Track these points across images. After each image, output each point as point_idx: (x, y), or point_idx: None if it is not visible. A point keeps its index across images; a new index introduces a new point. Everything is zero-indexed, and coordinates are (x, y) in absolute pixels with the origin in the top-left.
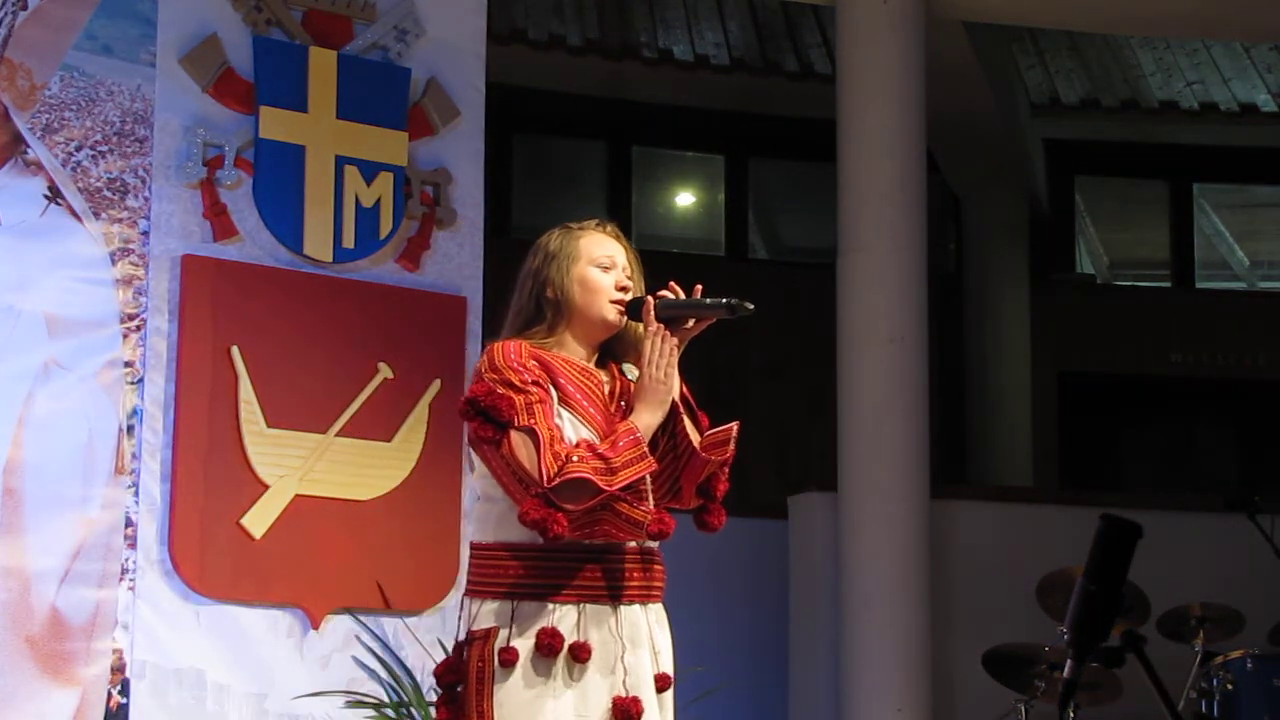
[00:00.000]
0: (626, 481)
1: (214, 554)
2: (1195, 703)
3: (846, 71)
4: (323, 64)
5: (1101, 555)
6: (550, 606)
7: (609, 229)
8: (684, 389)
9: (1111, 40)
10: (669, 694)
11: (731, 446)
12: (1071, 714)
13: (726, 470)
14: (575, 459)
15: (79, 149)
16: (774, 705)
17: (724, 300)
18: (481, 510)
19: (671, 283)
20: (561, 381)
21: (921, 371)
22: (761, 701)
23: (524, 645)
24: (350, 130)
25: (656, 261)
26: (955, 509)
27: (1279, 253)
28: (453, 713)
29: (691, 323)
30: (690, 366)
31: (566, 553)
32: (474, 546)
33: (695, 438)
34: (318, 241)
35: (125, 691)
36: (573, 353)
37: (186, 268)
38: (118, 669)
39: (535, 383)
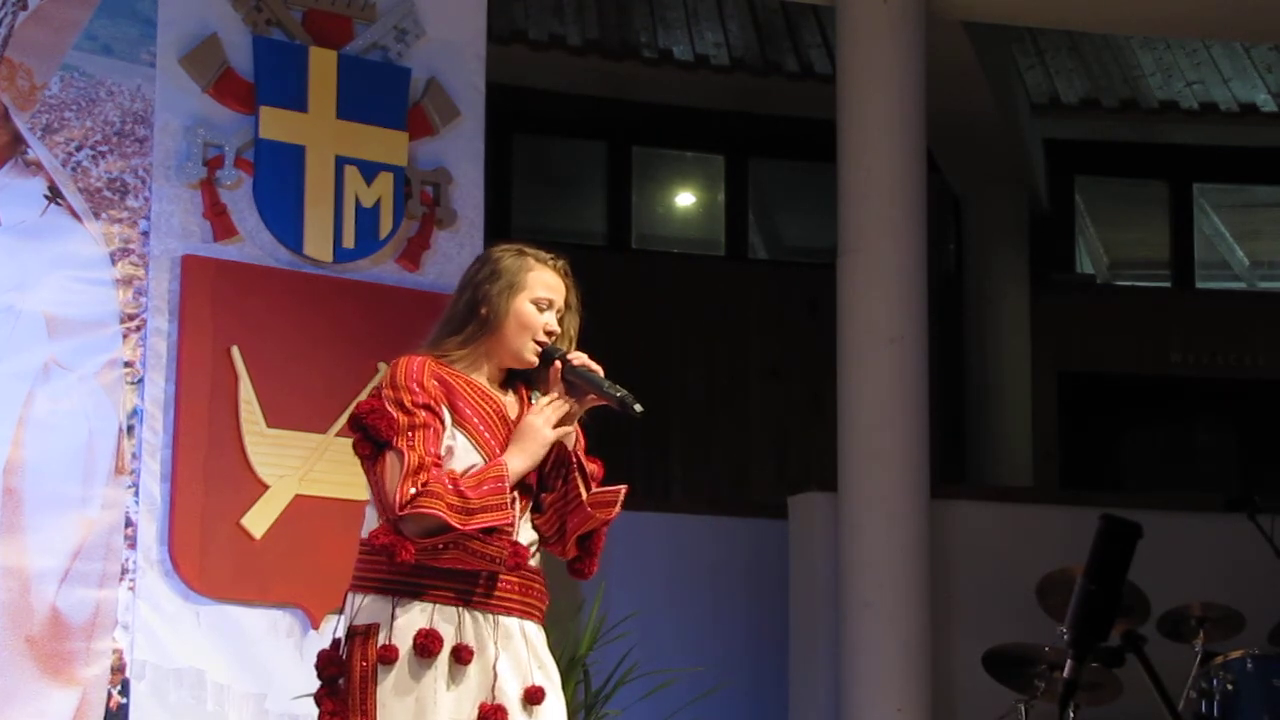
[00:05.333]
0: (481, 526)
1: (214, 554)
2: (1195, 703)
3: (846, 71)
4: (323, 64)
5: (1101, 555)
6: (430, 606)
7: (560, 265)
8: (578, 447)
9: (1111, 40)
10: (549, 708)
11: (618, 508)
12: (1072, 714)
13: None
14: (433, 493)
15: (79, 149)
16: (774, 705)
17: (618, 393)
18: (370, 510)
19: (582, 356)
20: (459, 404)
21: (921, 371)
22: (761, 702)
23: (403, 644)
24: (350, 130)
25: (656, 262)
26: (955, 509)
27: (1279, 253)
28: (336, 705)
29: (591, 396)
30: (691, 367)
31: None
32: (361, 543)
33: (584, 494)
34: (318, 242)
35: (125, 691)
36: (480, 372)
37: (186, 268)
38: (118, 669)
39: (426, 405)
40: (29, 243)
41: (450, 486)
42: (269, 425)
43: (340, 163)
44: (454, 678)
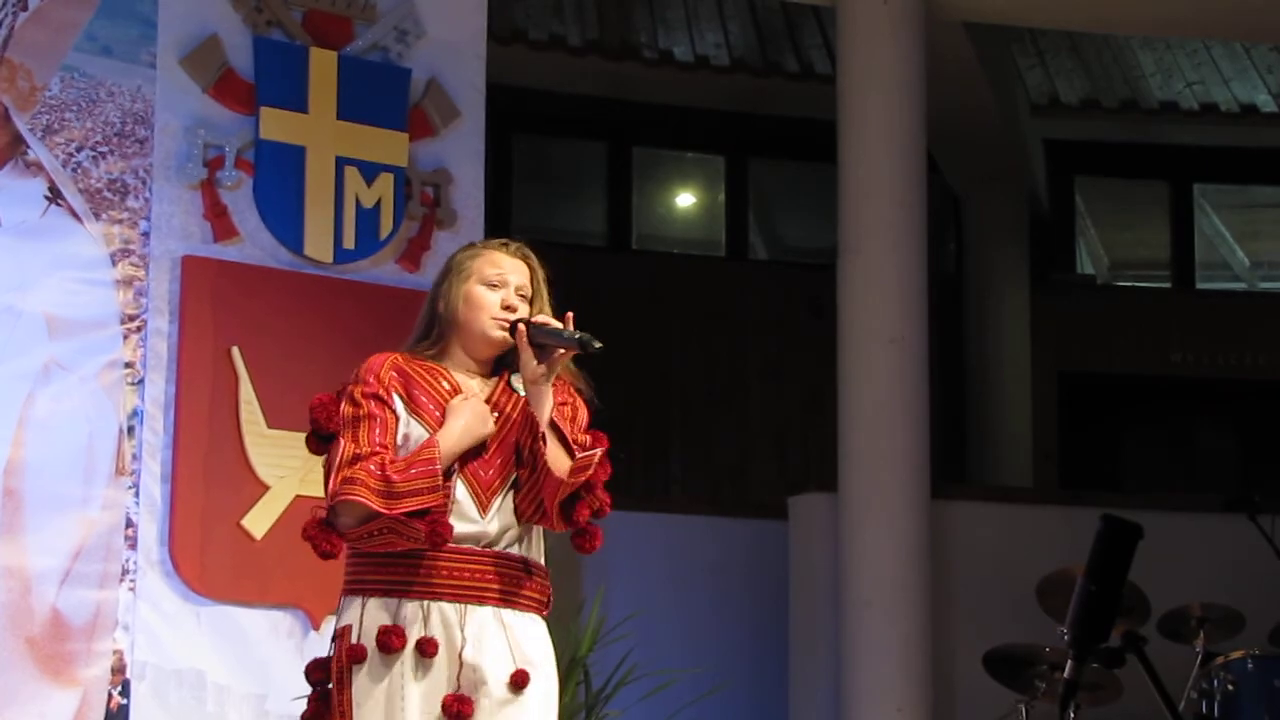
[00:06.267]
0: (408, 510)
1: (214, 555)
2: (1196, 703)
3: (847, 72)
4: (323, 65)
5: (1102, 556)
6: (395, 602)
7: (512, 248)
8: (572, 419)
9: (1111, 41)
10: (534, 693)
11: (590, 471)
12: (1072, 714)
13: (596, 501)
14: (359, 481)
15: (79, 150)
16: (774, 706)
17: (577, 335)
18: None
19: (543, 315)
20: (416, 393)
21: (921, 372)
22: (762, 702)
23: (370, 642)
24: (350, 131)
25: (657, 262)
26: (955, 509)
27: (1279, 253)
28: (319, 709)
29: (560, 351)
30: (691, 367)
31: (413, 555)
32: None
33: (559, 462)
34: (318, 242)
35: (126, 692)
36: (460, 366)
37: (187, 268)
38: (118, 670)
39: (374, 395)
40: (29, 243)
41: (378, 472)
42: (269, 426)
43: (340, 163)
44: (421, 671)
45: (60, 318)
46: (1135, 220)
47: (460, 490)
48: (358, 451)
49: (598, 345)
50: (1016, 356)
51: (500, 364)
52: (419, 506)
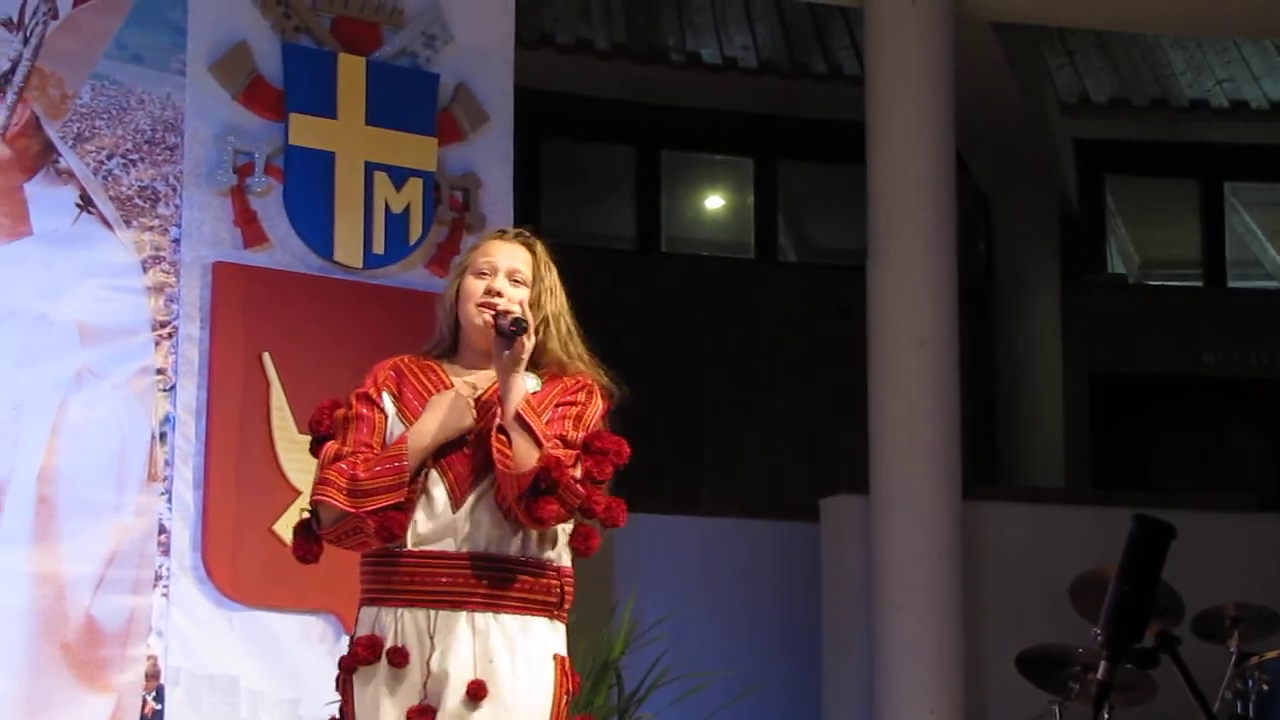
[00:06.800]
0: (375, 507)
1: (247, 560)
2: (1230, 704)
3: (875, 73)
4: (352, 70)
5: (1135, 556)
6: (375, 611)
7: (509, 235)
8: (555, 411)
9: (1141, 39)
10: (492, 706)
11: (521, 469)
12: (1106, 715)
13: (569, 499)
14: (331, 481)
15: (110, 157)
16: (807, 709)
17: (508, 320)
18: None
19: (521, 301)
20: (407, 391)
21: (952, 373)
22: (794, 705)
23: (357, 653)
24: (379, 136)
25: (686, 265)
26: (987, 510)
27: None
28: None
29: (521, 339)
30: (721, 369)
31: (390, 560)
32: None
33: (523, 456)
34: (348, 247)
35: (160, 698)
36: (468, 362)
37: (217, 275)
38: (152, 675)
39: (365, 397)
40: (61, 251)
41: (348, 470)
42: (301, 431)
43: (370, 168)
44: (395, 681)
45: (92, 325)
46: (1166, 219)
47: (435, 483)
48: (340, 451)
49: (513, 329)
50: (1048, 357)
51: (531, 361)
52: (385, 504)
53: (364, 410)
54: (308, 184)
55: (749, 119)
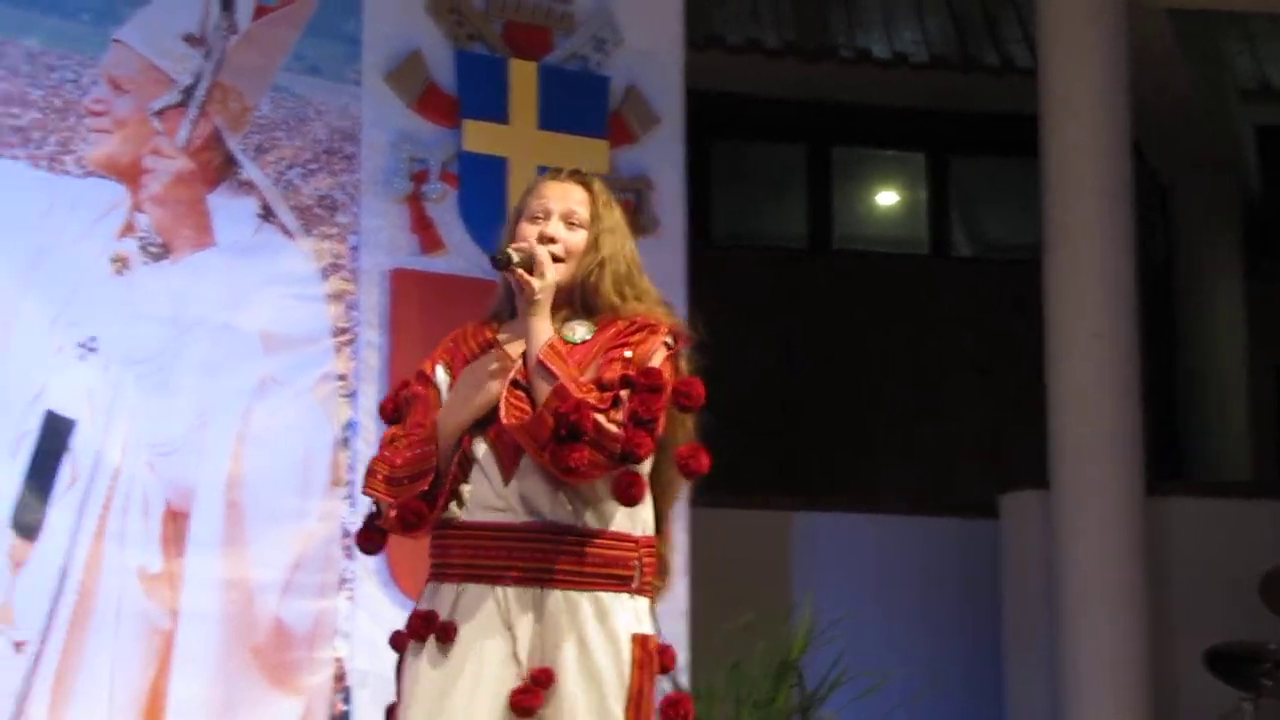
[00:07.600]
0: (413, 493)
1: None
2: None
3: (1049, 64)
4: (523, 75)
5: None
6: (437, 587)
7: (562, 176)
8: (546, 352)
9: None
10: (561, 694)
11: (512, 418)
12: None
13: (601, 446)
14: (373, 472)
15: (289, 168)
16: (988, 708)
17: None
18: None
19: (530, 237)
20: (459, 362)
21: (1131, 366)
22: (975, 704)
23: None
24: (551, 140)
25: (859, 262)
26: (1172, 506)
27: None
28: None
29: (526, 276)
30: (895, 366)
31: (449, 534)
32: None
33: (520, 410)
34: None
35: (348, 699)
36: (519, 320)
37: (395, 281)
38: (339, 677)
39: (421, 374)
40: (243, 261)
41: (391, 458)
42: None
43: (542, 172)
44: (443, 657)
45: (274, 333)
46: None
47: (486, 454)
48: (394, 435)
49: (496, 261)
50: (1231, 348)
51: (587, 308)
52: (421, 489)
53: (419, 389)
54: (481, 189)
55: (920, 114)
